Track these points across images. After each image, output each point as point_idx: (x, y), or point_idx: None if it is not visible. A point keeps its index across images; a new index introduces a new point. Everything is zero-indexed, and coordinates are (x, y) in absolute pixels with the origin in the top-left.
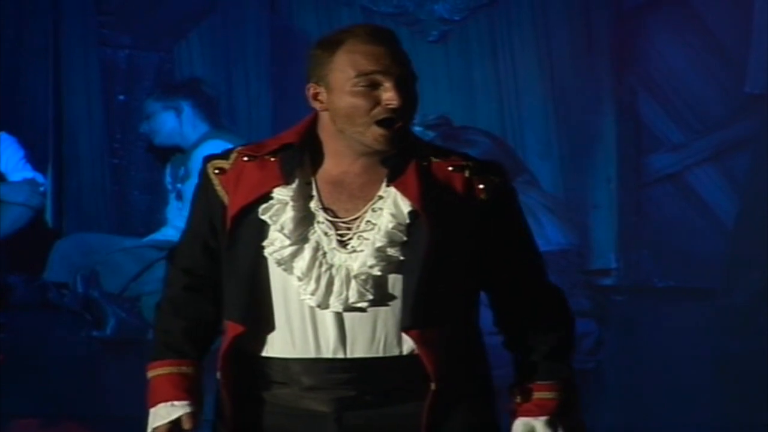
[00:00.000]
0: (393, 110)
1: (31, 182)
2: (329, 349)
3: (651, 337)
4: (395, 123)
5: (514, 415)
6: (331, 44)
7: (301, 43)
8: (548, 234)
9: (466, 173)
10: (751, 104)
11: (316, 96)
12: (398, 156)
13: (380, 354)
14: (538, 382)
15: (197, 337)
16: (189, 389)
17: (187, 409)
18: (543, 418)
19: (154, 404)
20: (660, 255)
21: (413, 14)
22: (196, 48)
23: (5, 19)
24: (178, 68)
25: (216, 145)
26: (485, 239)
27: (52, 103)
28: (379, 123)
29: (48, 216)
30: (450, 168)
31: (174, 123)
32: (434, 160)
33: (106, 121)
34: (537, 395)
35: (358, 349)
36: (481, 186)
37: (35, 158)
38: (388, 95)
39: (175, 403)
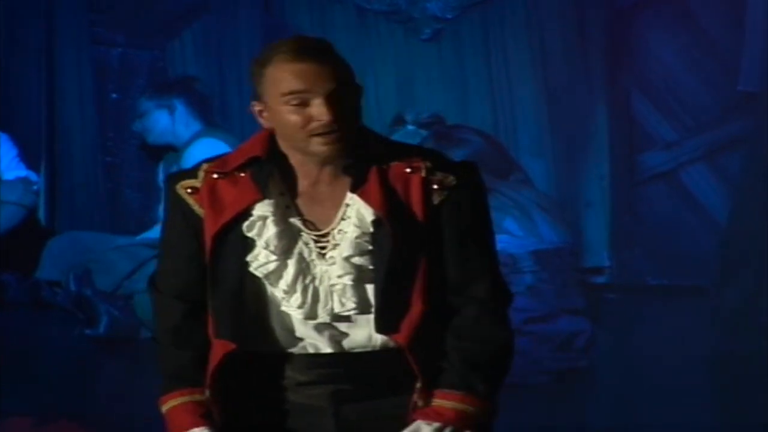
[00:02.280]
0: (325, 125)
1: (24, 181)
2: (327, 347)
3: (644, 335)
4: (332, 135)
5: (414, 415)
6: (262, 62)
7: None
8: (541, 232)
9: (423, 173)
10: (744, 102)
11: (260, 113)
12: (360, 161)
13: (377, 348)
14: (442, 389)
15: (204, 363)
16: (205, 415)
17: (204, 429)
18: (435, 425)
19: None
20: (653, 253)
21: (406, 12)
22: (189, 46)
23: None
24: (171, 66)
25: (209, 143)
26: (440, 239)
27: (45, 102)
28: (318, 135)
29: (41, 214)
30: (408, 170)
31: (167, 121)
32: (393, 163)
33: (99, 120)
34: (436, 401)
35: (355, 346)
36: (435, 186)
37: (28, 156)
38: (317, 112)
39: (195, 430)
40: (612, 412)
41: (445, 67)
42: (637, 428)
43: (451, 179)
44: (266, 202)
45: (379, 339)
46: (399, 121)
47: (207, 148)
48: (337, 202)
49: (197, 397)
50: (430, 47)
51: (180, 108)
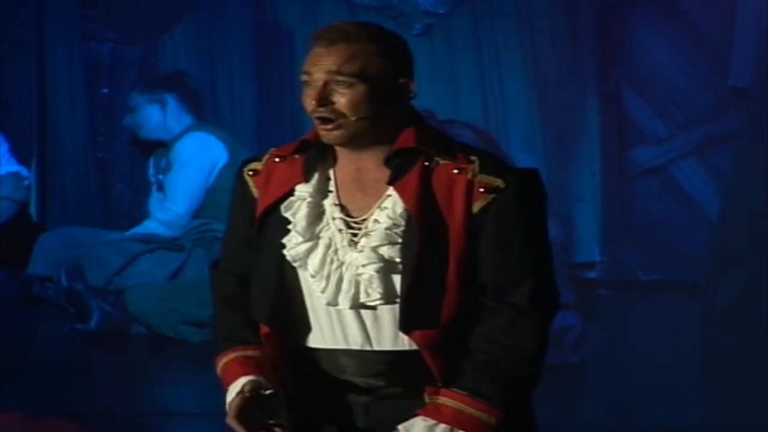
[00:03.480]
0: (312, 111)
1: (15, 176)
2: (357, 342)
3: (635, 330)
4: (327, 122)
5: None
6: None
7: (285, 37)
8: None
9: (469, 175)
10: (734, 98)
11: None
12: (403, 155)
13: (406, 347)
14: (450, 389)
15: (257, 325)
16: (256, 367)
17: (252, 378)
18: (430, 422)
19: (226, 392)
20: (644, 249)
21: (397, 7)
22: (180, 42)
23: None
24: (161, 62)
25: (198, 137)
26: (478, 243)
27: (36, 97)
28: (317, 119)
29: (32, 209)
30: (455, 171)
31: (158, 116)
32: (441, 161)
33: (90, 115)
34: (440, 399)
35: (384, 342)
36: (482, 189)
37: (19, 152)
38: (307, 96)
39: (242, 378)
40: (603, 407)
41: (437, 62)
42: (628, 423)
43: (499, 183)
44: (308, 184)
45: (406, 338)
46: None
47: (197, 141)
48: (380, 192)
49: (249, 353)
50: (422, 42)
51: (171, 103)
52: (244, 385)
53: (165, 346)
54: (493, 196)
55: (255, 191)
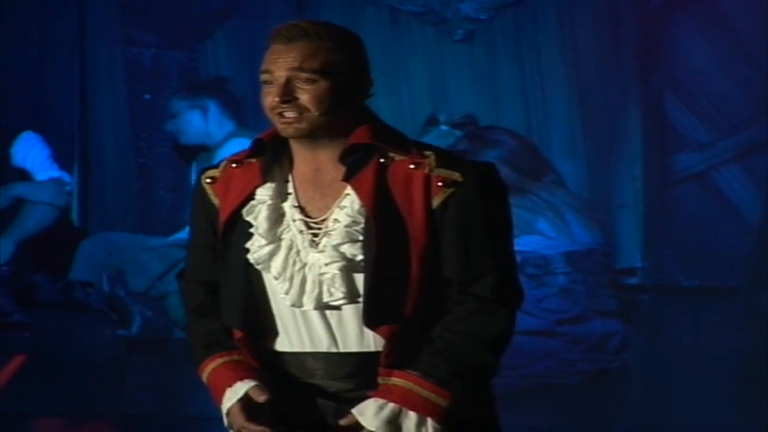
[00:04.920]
0: (273, 106)
1: (57, 181)
2: (323, 344)
3: (676, 336)
4: (286, 117)
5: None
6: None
7: None
8: (574, 233)
9: (426, 170)
10: None
11: None
12: (358, 152)
13: (371, 348)
14: (402, 370)
15: (231, 332)
16: (248, 372)
17: (252, 383)
18: (379, 401)
19: (220, 397)
20: (685, 254)
21: (439, 13)
22: (221, 47)
23: (30, 19)
24: (203, 67)
25: (242, 144)
26: (440, 237)
27: (78, 103)
28: (277, 114)
29: (74, 215)
30: (411, 166)
31: (200, 122)
32: (396, 157)
33: (132, 120)
34: (391, 380)
35: (350, 344)
36: (440, 183)
37: (61, 157)
38: (267, 91)
39: (238, 383)
40: (644, 413)
41: (478, 68)
42: (669, 429)
43: (456, 177)
44: (267, 186)
45: (371, 339)
46: (432, 121)
47: (240, 147)
48: (338, 191)
49: (234, 357)
50: (463, 48)
51: (213, 108)
52: (247, 391)
53: None
54: (451, 190)
55: (215, 199)
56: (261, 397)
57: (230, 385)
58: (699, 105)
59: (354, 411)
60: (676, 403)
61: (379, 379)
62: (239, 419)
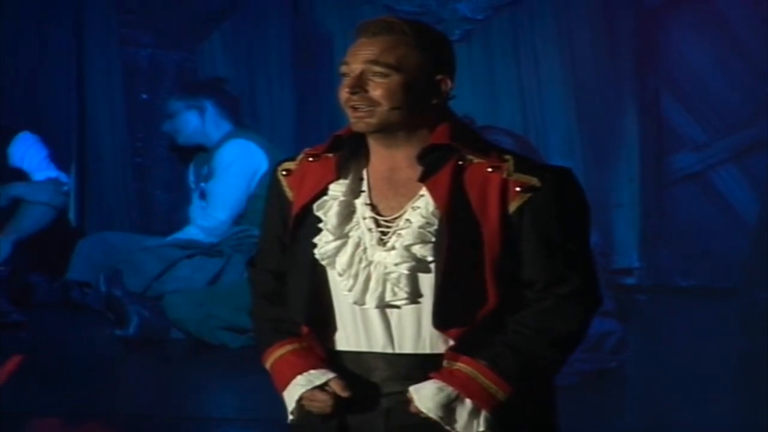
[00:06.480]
0: (345, 99)
1: (54, 182)
2: (379, 344)
3: (673, 336)
4: (358, 110)
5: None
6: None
7: (324, 43)
8: None
9: (504, 174)
10: None
11: None
12: (436, 152)
13: (426, 350)
14: (474, 357)
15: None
16: (319, 360)
17: (331, 375)
18: (439, 384)
19: (286, 382)
20: (682, 254)
21: (436, 13)
22: (219, 47)
23: (28, 20)
24: (200, 67)
25: (240, 144)
26: (516, 241)
27: (75, 103)
28: (350, 107)
29: (71, 215)
30: (489, 169)
31: (197, 122)
32: (474, 160)
33: (129, 121)
34: (456, 365)
35: (405, 345)
36: (518, 188)
37: (58, 158)
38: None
39: (312, 371)
40: (642, 413)
41: (475, 68)
42: (666, 429)
43: (534, 182)
44: (341, 182)
45: (427, 341)
46: None
47: (238, 149)
48: (413, 191)
49: (304, 344)
50: (460, 48)
51: (210, 109)
52: (329, 381)
53: (203, 351)
54: (529, 195)
55: (288, 192)
56: (345, 393)
57: (300, 372)
58: (695, 105)
59: (411, 389)
60: (673, 403)
61: (444, 362)
62: (327, 403)
